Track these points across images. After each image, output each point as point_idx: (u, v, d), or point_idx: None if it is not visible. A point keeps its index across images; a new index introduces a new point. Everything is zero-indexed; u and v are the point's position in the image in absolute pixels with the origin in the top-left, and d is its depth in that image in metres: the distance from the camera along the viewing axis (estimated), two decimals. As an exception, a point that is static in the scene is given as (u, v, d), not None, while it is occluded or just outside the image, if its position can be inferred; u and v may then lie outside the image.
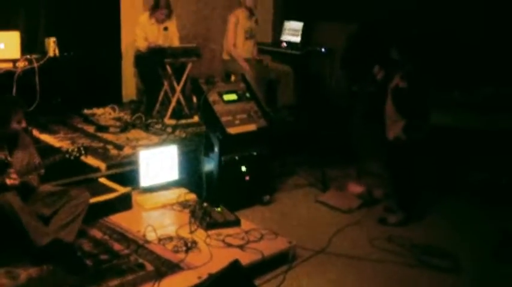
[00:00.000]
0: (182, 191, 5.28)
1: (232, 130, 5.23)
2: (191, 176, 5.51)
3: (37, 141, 5.54)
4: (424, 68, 5.27)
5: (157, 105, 7.05)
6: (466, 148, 6.23)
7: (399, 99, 5.18)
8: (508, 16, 6.97)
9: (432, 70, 5.53)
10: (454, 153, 6.18)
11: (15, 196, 4.00)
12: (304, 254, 4.61)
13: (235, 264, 3.57)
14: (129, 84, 7.74)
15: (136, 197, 5.08)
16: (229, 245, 4.38)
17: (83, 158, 4.55)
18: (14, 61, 6.01)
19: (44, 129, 6.20)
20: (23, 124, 4.23)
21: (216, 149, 5.22)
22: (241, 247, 4.35)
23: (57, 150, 5.30)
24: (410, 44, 5.31)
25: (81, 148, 4.31)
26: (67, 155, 4.29)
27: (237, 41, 7.11)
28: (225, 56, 7.21)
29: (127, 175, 5.33)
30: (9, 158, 4.19)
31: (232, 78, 5.70)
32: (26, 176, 4.19)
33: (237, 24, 7.07)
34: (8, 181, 4.05)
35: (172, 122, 6.61)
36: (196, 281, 3.79)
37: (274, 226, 4.82)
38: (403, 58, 5.21)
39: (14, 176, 4.07)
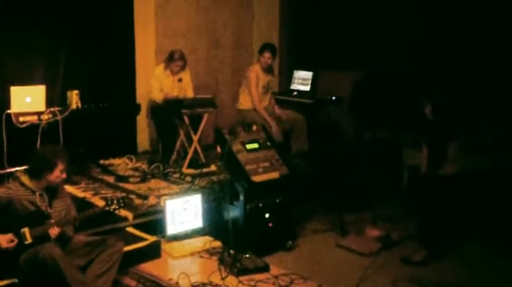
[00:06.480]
0: (207, 238, 5.38)
1: (256, 178, 5.37)
2: (214, 224, 5.62)
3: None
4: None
5: (174, 154, 7.19)
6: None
7: (424, 129, 5.42)
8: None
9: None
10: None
11: (55, 247, 4.11)
12: (333, 299, 4.71)
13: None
14: (143, 134, 7.89)
15: (163, 246, 5.17)
16: (262, 290, 4.47)
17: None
18: (39, 114, 6.17)
19: (66, 180, 6.27)
20: (64, 175, 4.36)
21: (241, 197, 5.35)
22: (273, 292, 4.44)
23: (91, 204, 5.39)
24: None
25: (121, 201, 4.44)
26: (107, 208, 4.42)
27: None
28: (241, 106, 7.27)
29: (152, 224, 5.44)
30: (49, 210, 4.31)
31: (254, 127, 5.85)
32: (63, 227, 4.31)
33: (257, 79, 7.15)
34: (51, 232, 4.16)
35: (190, 171, 6.73)
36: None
37: (300, 271, 4.90)
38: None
39: (55, 227, 4.19)
